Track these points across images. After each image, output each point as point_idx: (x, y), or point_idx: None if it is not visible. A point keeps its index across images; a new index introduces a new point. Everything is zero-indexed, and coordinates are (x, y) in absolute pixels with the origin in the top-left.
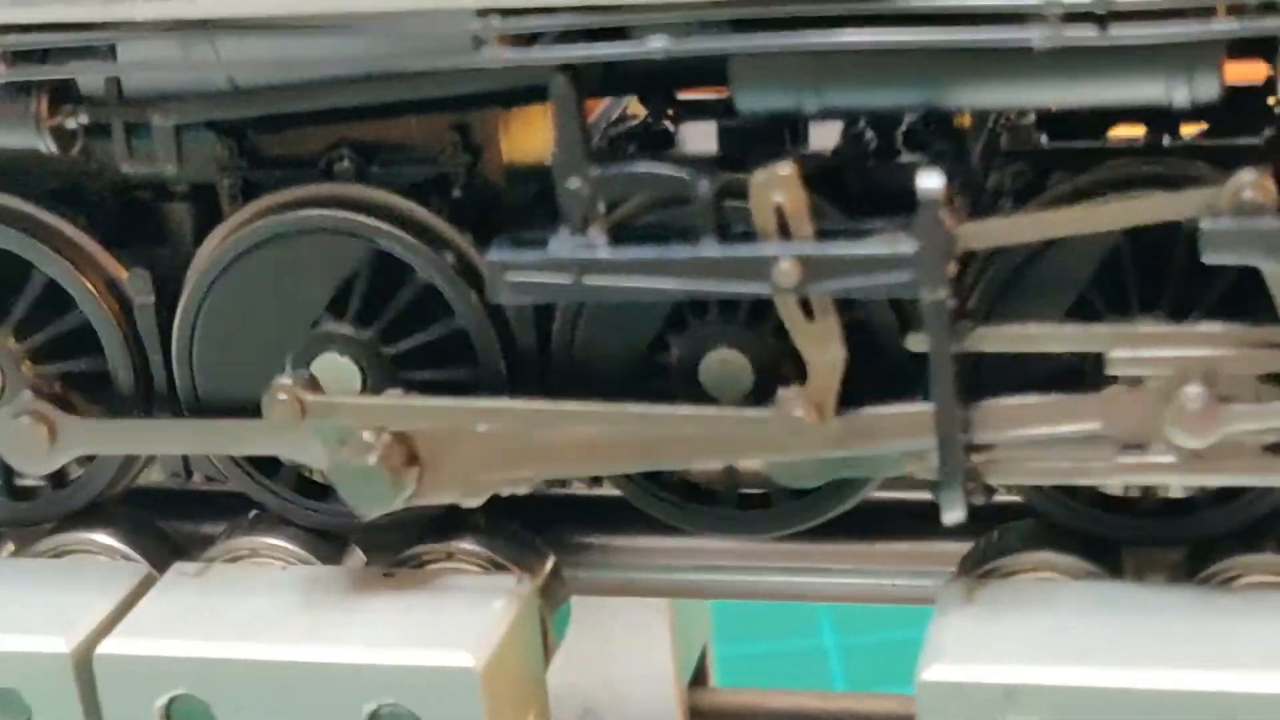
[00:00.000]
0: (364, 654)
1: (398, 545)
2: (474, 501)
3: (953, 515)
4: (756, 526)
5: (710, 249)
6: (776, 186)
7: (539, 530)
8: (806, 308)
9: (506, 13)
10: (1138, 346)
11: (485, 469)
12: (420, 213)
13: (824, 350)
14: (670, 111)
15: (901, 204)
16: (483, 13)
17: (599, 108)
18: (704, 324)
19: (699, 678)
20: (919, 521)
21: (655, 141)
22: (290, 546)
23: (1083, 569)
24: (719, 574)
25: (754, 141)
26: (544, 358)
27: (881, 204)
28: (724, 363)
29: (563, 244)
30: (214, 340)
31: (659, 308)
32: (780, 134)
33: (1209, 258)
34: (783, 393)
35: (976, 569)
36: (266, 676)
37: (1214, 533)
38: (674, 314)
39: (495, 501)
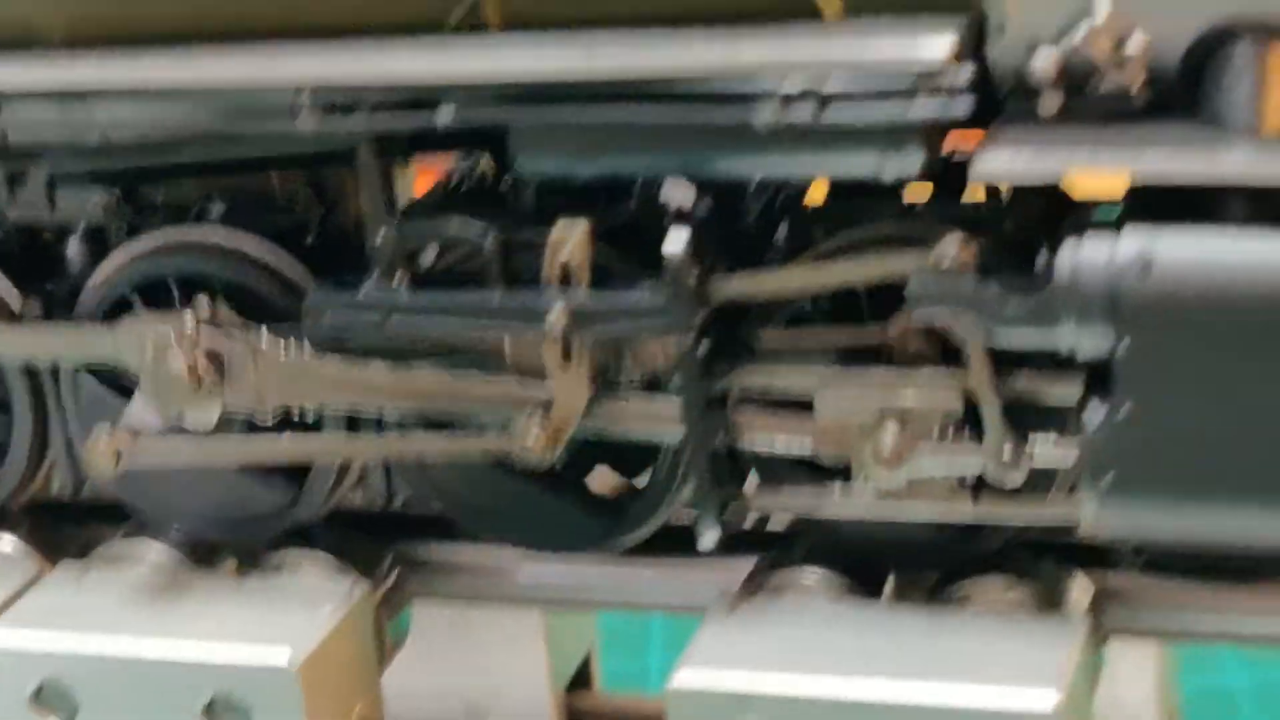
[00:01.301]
0: (199, 650)
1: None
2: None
3: (705, 542)
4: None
5: (493, 296)
6: (567, 241)
7: (388, 541)
8: (566, 352)
9: (316, 90)
10: (841, 388)
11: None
12: (271, 255)
13: (572, 393)
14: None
15: None
16: (299, 89)
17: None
18: None
19: (582, 681)
20: None
21: (488, 197)
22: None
23: (844, 587)
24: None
25: (570, 198)
26: None
27: None
28: None
29: (370, 289)
30: None
31: None
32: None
33: (917, 313)
34: (523, 420)
35: (750, 584)
36: (119, 669)
37: (963, 558)
38: None
39: (346, 517)
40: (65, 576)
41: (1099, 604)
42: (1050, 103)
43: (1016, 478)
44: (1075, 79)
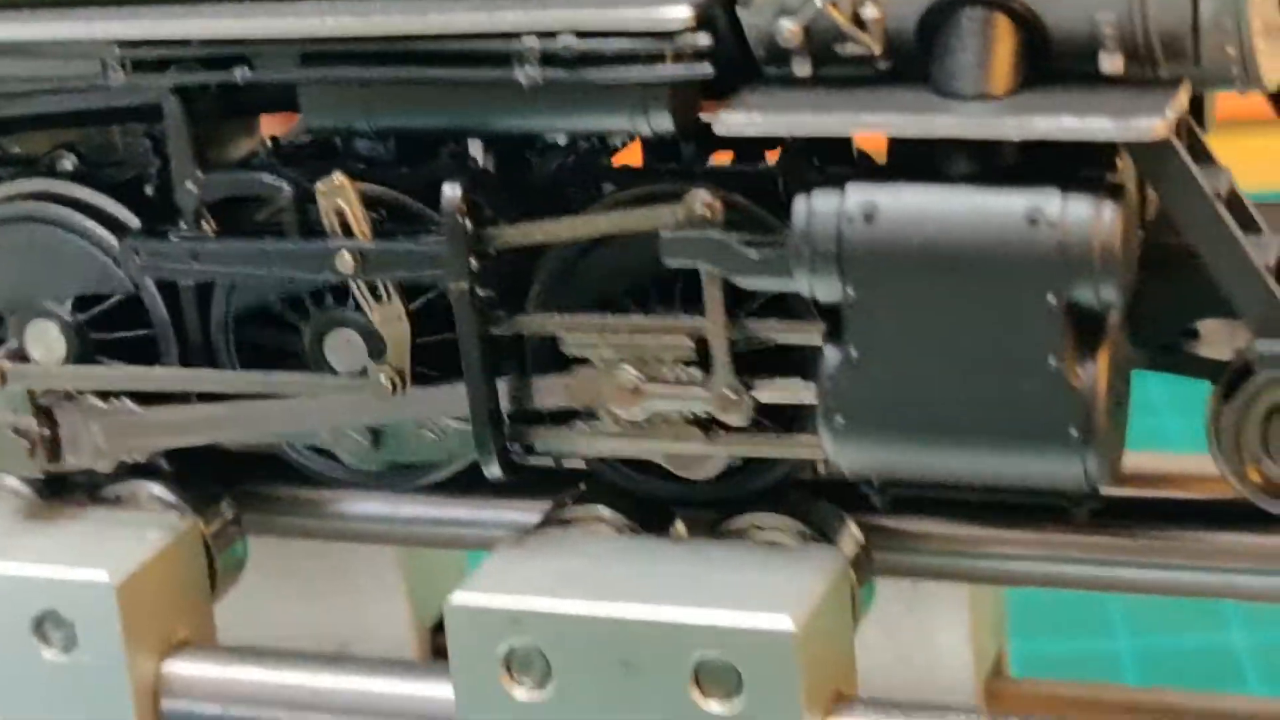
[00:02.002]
0: (30, 568)
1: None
2: (105, 467)
3: (491, 473)
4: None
5: (290, 243)
6: (335, 193)
7: (229, 478)
8: (375, 292)
9: (123, 44)
10: (585, 333)
11: (111, 439)
12: (111, 206)
13: (393, 328)
14: None
15: None
16: (108, 43)
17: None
18: (323, 309)
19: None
20: None
21: (326, 151)
22: None
23: (624, 524)
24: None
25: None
26: (206, 335)
27: None
28: (348, 342)
29: (178, 235)
30: None
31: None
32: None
33: (668, 261)
34: (372, 365)
35: (544, 520)
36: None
37: (741, 495)
38: (298, 303)
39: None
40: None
41: (868, 542)
42: (801, 67)
43: (739, 417)
44: (821, 45)
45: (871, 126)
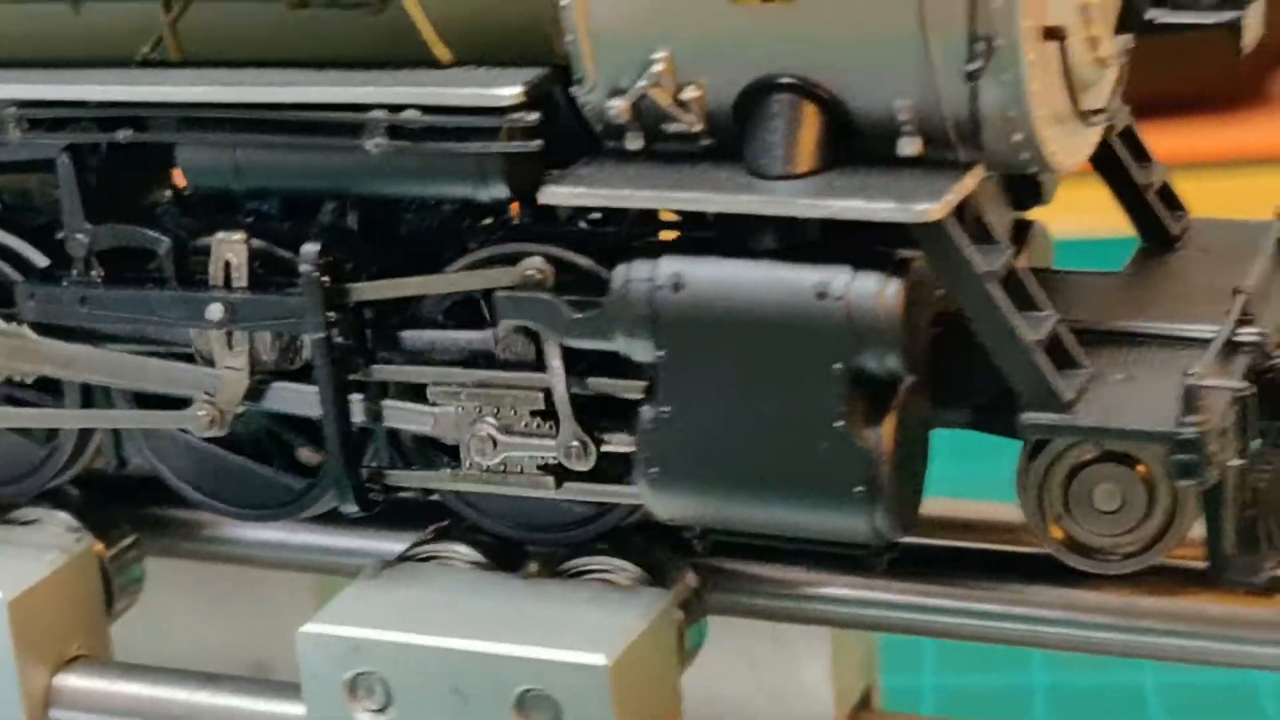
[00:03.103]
0: None
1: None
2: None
3: (348, 510)
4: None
5: (169, 291)
6: (229, 247)
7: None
8: (230, 340)
9: (20, 104)
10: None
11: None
12: (23, 248)
13: (233, 378)
14: None
15: None
16: (7, 103)
17: None
18: None
19: None
20: None
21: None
22: None
23: (479, 560)
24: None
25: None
26: None
27: None
28: None
29: (69, 281)
30: None
31: None
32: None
33: (502, 320)
34: (198, 399)
35: (405, 554)
36: None
37: (588, 538)
38: None
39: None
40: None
41: (702, 584)
42: (634, 141)
43: (583, 465)
44: (651, 122)
45: (678, 202)
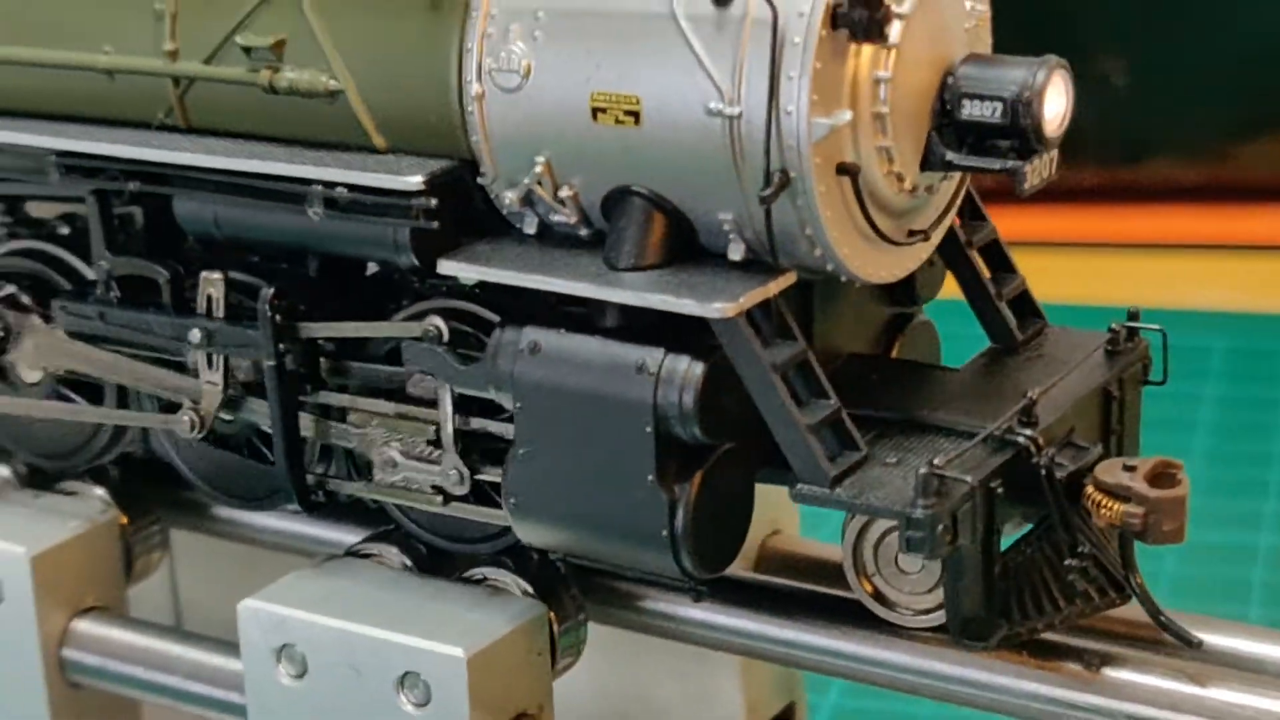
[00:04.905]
0: None
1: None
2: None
3: (295, 508)
4: None
5: (164, 315)
6: (210, 283)
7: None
8: (209, 359)
9: (58, 154)
10: (361, 413)
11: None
12: (80, 266)
13: (210, 391)
14: None
15: None
16: (48, 152)
17: None
18: None
19: None
20: None
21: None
22: None
23: (401, 561)
24: None
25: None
26: None
27: None
28: None
29: (92, 298)
30: None
31: None
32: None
33: (407, 364)
34: (184, 406)
35: (350, 550)
36: None
37: (490, 553)
38: None
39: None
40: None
41: (583, 598)
42: (529, 226)
43: (460, 490)
44: (542, 211)
45: (530, 282)
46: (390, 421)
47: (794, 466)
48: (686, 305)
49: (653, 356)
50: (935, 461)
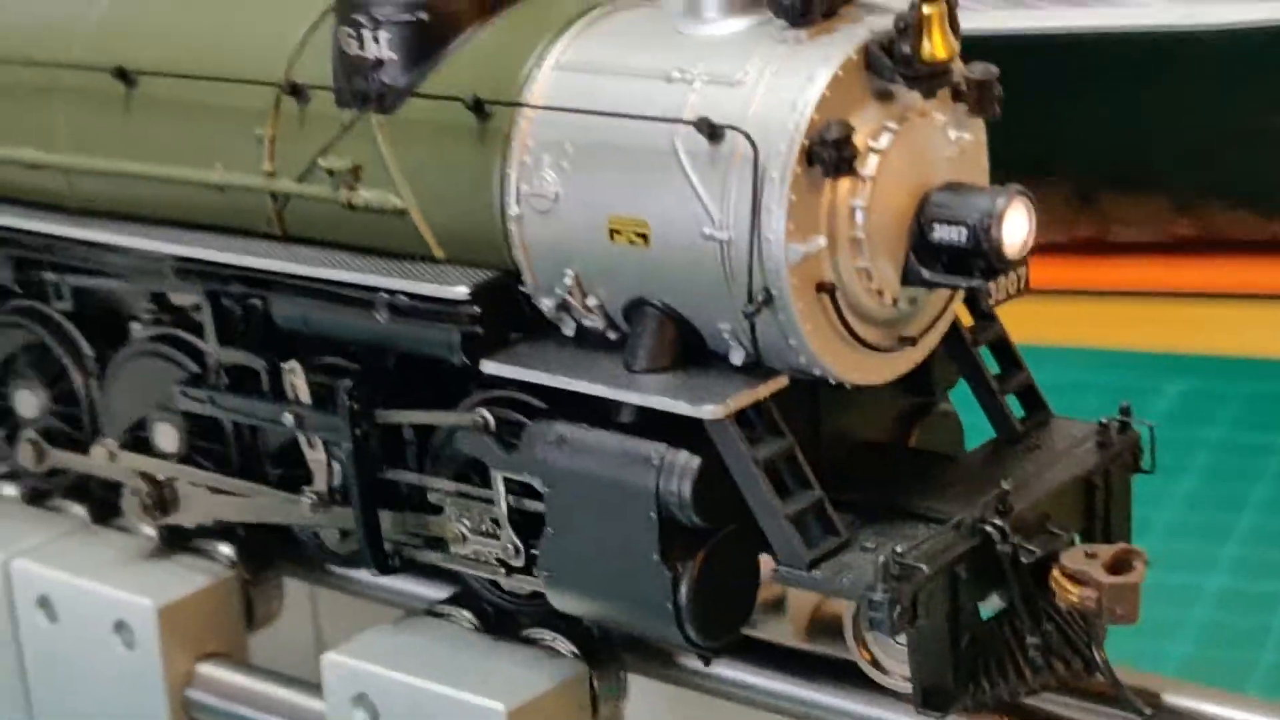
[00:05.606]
0: None
1: None
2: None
3: (372, 573)
4: None
5: (263, 400)
6: (291, 373)
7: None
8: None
9: (174, 259)
10: (434, 490)
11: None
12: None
13: (318, 466)
14: None
15: None
16: (164, 257)
17: None
18: None
19: None
20: None
21: None
22: None
23: (469, 620)
24: None
25: None
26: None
27: None
28: None
29: (205, 385)
30: None
31: None
32: None
33: (461, 449)
34: (306, 489)
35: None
36: None
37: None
38: None
39: None
40: None
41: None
42: (567, 328)
43: (517, 563)
44: (576, 316)
45: (555, 382)
46: (460, 502)
47: (775, 550)
48: (681, 406)
49: (657, 450)
50: (897, 549)
